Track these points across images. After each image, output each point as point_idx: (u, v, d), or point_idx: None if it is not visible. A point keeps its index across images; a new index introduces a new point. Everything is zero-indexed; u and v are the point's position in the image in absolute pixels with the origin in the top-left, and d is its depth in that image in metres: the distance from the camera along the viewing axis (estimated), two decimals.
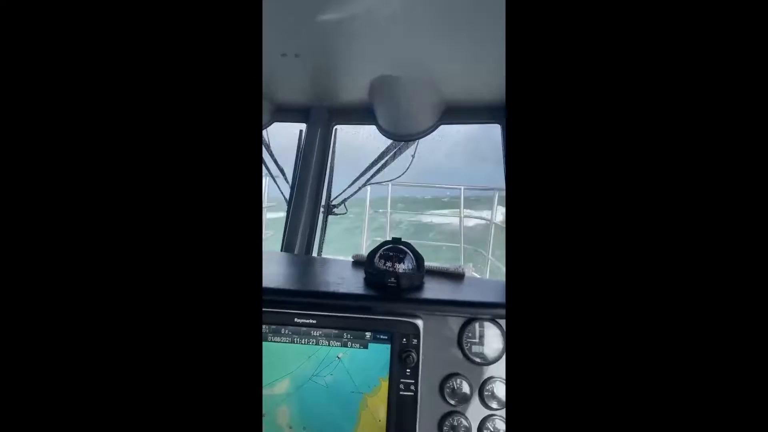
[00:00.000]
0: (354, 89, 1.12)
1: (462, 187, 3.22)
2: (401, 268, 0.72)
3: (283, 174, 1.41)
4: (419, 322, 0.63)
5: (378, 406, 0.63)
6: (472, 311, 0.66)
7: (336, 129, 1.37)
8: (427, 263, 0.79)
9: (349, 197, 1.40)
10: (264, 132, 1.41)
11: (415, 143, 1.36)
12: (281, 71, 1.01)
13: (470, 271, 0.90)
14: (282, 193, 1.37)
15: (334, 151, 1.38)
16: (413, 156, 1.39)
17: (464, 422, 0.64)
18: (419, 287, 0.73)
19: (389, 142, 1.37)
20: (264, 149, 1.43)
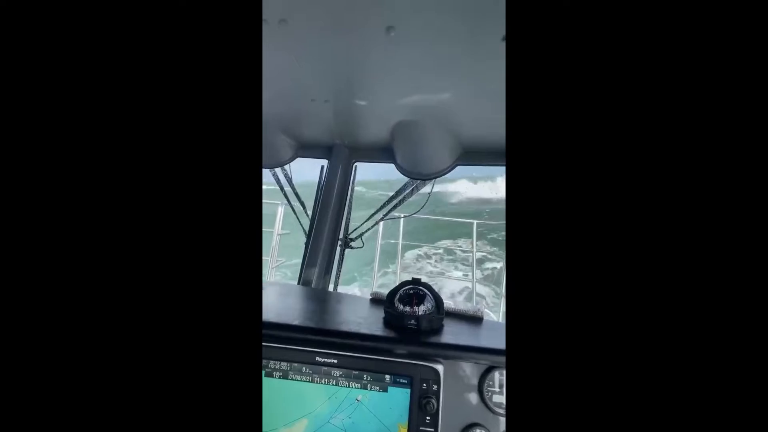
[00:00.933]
0: (375, 131, 1.18)
1: (474, 222, 3.25)
2: (421, 310, 0.73)
3: (304, 207, 1.46)
4: (440, 368, 0.64)
5: None
6: (493, 359, 0.66)
7: (356, 166, 1.43)
8: (446, 304, 0.80)
9: (366, 231, 1.43)
10: (287, 166, 1.48)
11: (432, 181, 1.40)
12: (308, 112, 1.08)
13: (484, 310, 0.91)
14: (302, 225, 1.41)
15: (353, 187, 1.43)
16: (430, 194, 1.43)
17: None
18: (439, 330, 0.73)
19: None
20: (287, 182, 1.49)
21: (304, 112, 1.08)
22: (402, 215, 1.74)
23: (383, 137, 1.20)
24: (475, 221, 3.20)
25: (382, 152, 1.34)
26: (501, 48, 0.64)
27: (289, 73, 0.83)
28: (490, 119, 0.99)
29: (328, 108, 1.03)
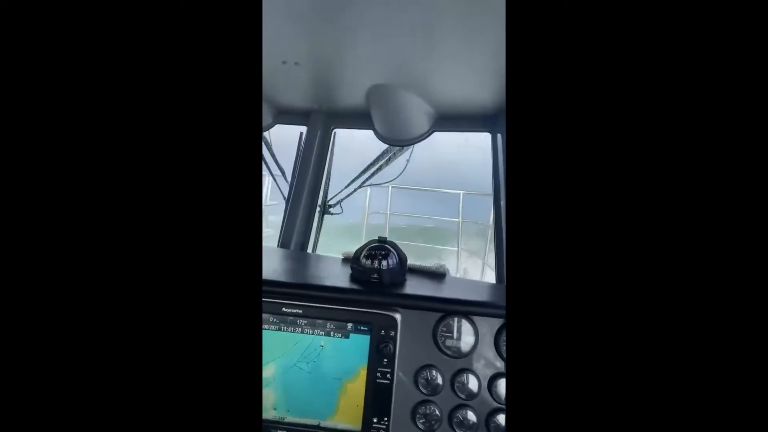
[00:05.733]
0: (352, 95, 1.17)
1: (461, 192, 3.27)
2: (384, 265, 0.77)
3: (284, 174, 1.47)
4: (397, 316, 0.68)
5: (356, 392, 0.68)
6: (448, 307, 0.70)
7: (335, 132, 1.43)
8: (411, 262, 0.84)
9: (344, 198, 1.45)
10: (266, 133, 1.47)
11: (410, 148, 1.41)
12: (283, 76, 1.07)
13: (455, 272, 0.95)
14: (282, 192, 1.43)
15: (332, 153, 1.43)
16: (408, 160, 1.44)
17: (436, 411, 0.69)
18: (401, 284, 0.78)
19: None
20: (266, 149, 1.49)
21: (276, 74, 1.06)
22: (386, 183, 1.76)
23: (360, 102, 1.19)
24: (461, 192, 3.23)
25: (361, 118, 1.33)
26: (475, 12, 0.63)
27: None
28: (466, 85, 0.99)
29: (302, 70, 1.01)
